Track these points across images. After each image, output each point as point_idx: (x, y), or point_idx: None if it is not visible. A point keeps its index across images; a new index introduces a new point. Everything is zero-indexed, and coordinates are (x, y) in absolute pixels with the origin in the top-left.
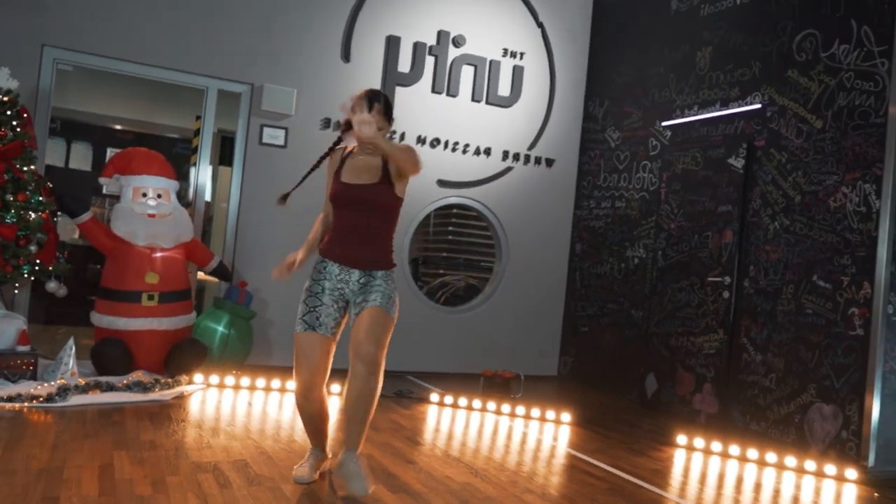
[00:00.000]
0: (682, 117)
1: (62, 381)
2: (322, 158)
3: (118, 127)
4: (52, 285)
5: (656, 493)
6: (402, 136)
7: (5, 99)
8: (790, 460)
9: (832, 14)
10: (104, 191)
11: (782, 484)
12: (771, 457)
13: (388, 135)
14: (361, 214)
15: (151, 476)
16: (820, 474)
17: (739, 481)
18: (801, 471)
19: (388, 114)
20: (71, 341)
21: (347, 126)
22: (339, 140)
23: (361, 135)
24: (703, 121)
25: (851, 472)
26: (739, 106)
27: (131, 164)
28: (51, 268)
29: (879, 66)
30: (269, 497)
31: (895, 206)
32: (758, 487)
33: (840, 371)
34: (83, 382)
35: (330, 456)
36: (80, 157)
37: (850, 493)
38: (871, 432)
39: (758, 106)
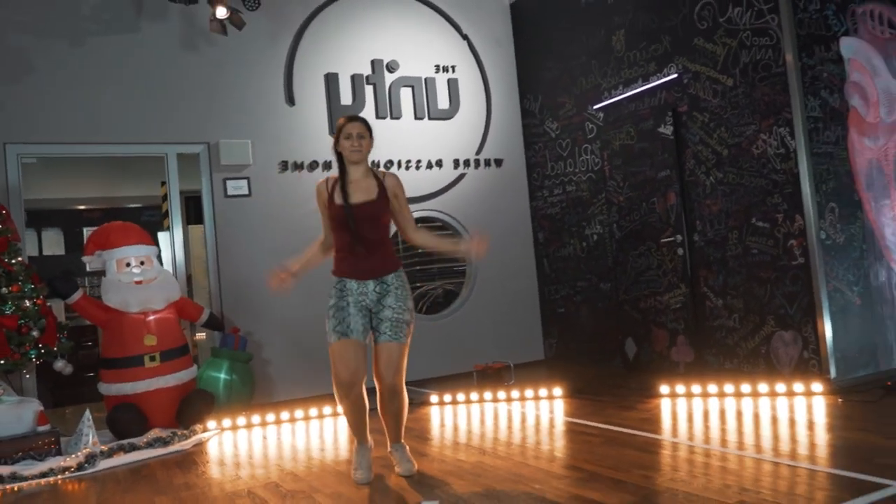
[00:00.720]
0: (611, 98)
1: (87, 450)
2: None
3: (82, 207)
4: (59, 364)
5: (648, 437)
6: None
7: None
8: (762, 387)
9: None
10: (88, 268)
11: (759, 408)
12: (745, 387)
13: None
14: (366, 229)
15: None
16: (790, 393)
17: (722, 413)
18: (773, 394)
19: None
20: (87, 413)
21: (339, 155)
22: (341, 168)
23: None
24: (630, 97)
25: (817, 386)
26: (659, 78)
27: (110, 238)
28: (55, 348)
29: (770, 21)
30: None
31: (809, 143)
32: (739, 415)
33: (791, 299)
34: (106, 448)
35: (372, 447)
36: (53, 243)
37: (819, 403)
38: (827, 348)
39: (675, 76)
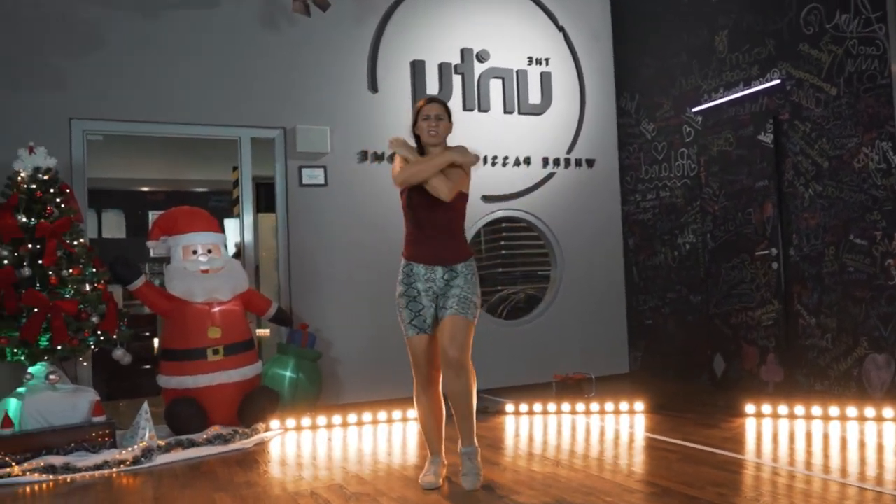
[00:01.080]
0: (710, 101)
1: (144, 444)
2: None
3: (146, 189)
4: (118, 353)
5: (729, 457)
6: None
7: (46, 177)
8: (851, 410)
9: None
10: (152, 254)
11: (847, 432)
12: (834, 410)
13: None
14: (437, 214)
15: None
16: (880, 419)
17: (808, 437)
18: (861, 418)
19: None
20: (145, 405)
21: (417, 137)
22: (419, 148)
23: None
24: (730, 102)
25: None
26: (761, 84)
27: (177, 224)
28: (115, 336)
29: (878, 30)
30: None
31: None
32: (825, 438)
33: (886, 320)
34: (164, 443)
35: (446, 463)
36: (113, 226)
37: None
38: None
39: (777, 81)
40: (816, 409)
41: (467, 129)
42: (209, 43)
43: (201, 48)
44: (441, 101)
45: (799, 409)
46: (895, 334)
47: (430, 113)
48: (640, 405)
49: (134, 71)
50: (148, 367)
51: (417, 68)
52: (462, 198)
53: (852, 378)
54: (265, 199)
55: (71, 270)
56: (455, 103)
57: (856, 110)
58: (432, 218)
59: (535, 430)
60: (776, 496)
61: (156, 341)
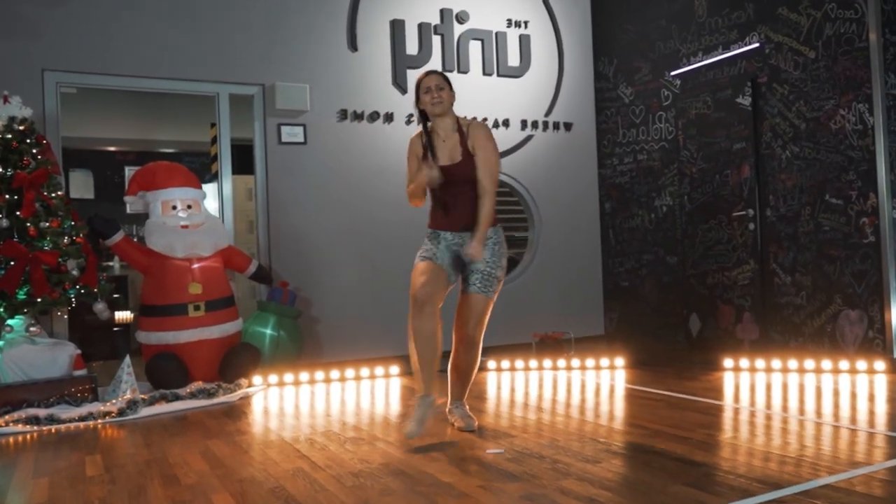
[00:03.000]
0: (689, 65)
1: (128, 396)
2: (424, 123)
3: (114, 149)
4: (99, 306)
5: (710, 403)
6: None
7: (21, 128)
8: (826, 363)
9: None
10: (129, 209)
11: (822, 383)
12: (809, 363)
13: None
14: (460, 188)
15: (251, 452)
16: (853, 371)
17: (784, 387)
18: (836, 371)
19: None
20: (127, 359)
21: (423, 113)
22: (425, 126)
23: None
24: (709, 65)
25: (880, 364)
26: (740, 47)
27: (155, 179)
28: (96, 289)
29: None
30: (367, 449)
31: (887, 121)
32: (801, 388)
33: (860, 278)
34: (147, 397)
35: (440, 399)
36: (81, 186)
37: (881, 381)
38: (892, 328)
39: (756, 45)
40: (792, 363)
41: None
42: None
43: (180, 1)
44: (439, 72)
45: (775, 363)
46: (868, 291)
47: (430, 84)
48: (620, 361)
49: (110, 22)
50: (117, 328)
51: (397, 28)
52: None
53: (826, 334)
54: (238, 161)
55: (49, 222)
56: (434, 64)
57: (833, 73)
58: (458, 195)
59: (517, 384)
60: (754, 433)
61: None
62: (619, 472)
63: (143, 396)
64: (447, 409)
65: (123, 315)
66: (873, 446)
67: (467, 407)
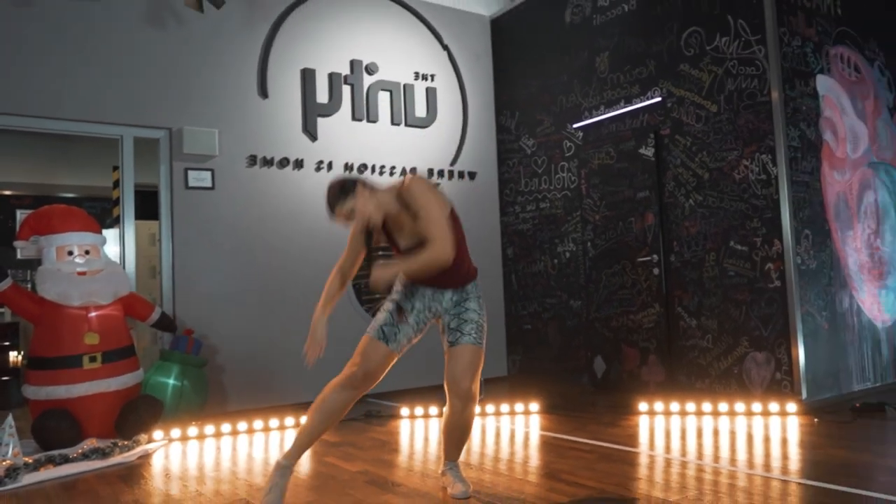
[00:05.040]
0: (591, 118)
1: (8, 462)
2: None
3: (9, 193)
4: None
5: (634, 452)
6: (330, 165)
7: None
8: (739, 406)
9: (710, 12)
10: (19, 255)
11: (736, 426)
12: (723, 406)
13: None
14: None
15: None
16: (766, 413)
17: (699, 432)
18: (749, 413)
19: (344, 196)
20: (10, 418)
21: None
22: (369, 234)
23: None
24: (611, 118)
25: (791, 406)
26: (642, 101)
27: (51, 223)
28: None
29: (758, 52)
30: None
31: (790, 171)
32: (716, 433)
33: (766, 321)
34: (31, 460)
35: (292, 473)
36: None
37: (793, 423)
38: (800, 369)
39: (658, 99)
40: (706, 406)
41: (356, 139)
42: (92, 37)
43: (83, 42)
44: (333, 199)
45: (689, 406)
46: (775, 333)
47: (340, 220)
48: (534, 406)
49: (8, 61)
50: (6, 378)
51: (308, 76)
52: (454, 223)
53: (733, 375)
54: (141, 206)
55: None
56: (344, 113)
57: (736, 125)
58: None
59: (431, 434)
60: (697, 490)
61: (12, 355)
62: None
63: (26, 459)
64: (440, 472)
65: (11, 363)
66: (787, 494)
67: (460, 470)
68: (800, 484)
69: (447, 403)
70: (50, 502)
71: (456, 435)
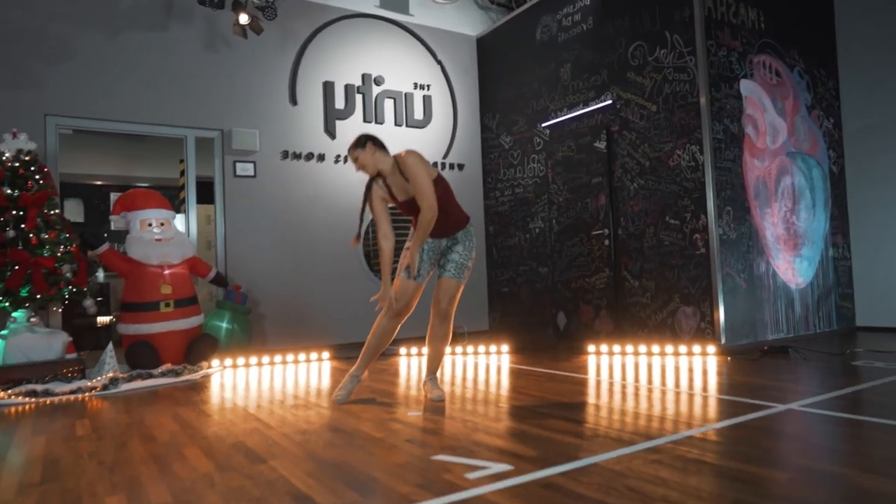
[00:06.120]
0: (556, 118)
1: (110, 375)
2: (364, 202)
3: (100, 183)
4: (87, 302)
5: (581, 377)
6: (346, 159)
7: (27, 158)
8: (668, 348)
9: (652, 28)
10: (112, 227)
11: (665, 363)
12: (655, 348)
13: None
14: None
15: (214, 416)
16: (690, 353)
17: (636, 366)
18: (676, 354)
19: (357, 147)
20: (110, 345)
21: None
22: (370, 184)
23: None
24: (572, 118)
25: (711, 348)
26: (597, 104)
27: (135, 202)
28: (85, 288)
29: (689, 61)
30: (309, 413)
31: (714, 159)
32: (649, 367)
33: (694, 281)
34: (126, 375)
35: (364, 379)
36: (74, 212)
37: (712, 361)
38: (720, 320)
39: (609, 102)
40: (642, 348)
41: None
42: (160, 59)
43: (154, 63)
44: (351, 144)
45: (629, 348)
46: (700, 291)
47: (352, 160)
48: (505, 347)
49: (99, 77)
50: (100, 327)
51: (328, 87)
52: (438, 186)
53: (667, 326)
54: (199, 193)
55: (48, 234)
56: (356, 117)
57: (671, 122)
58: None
59: (424, 366)
60: (615, 399)
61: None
62: (518, 427)
63: (122, 375)
64: (423, 382)
65: (105, 319)
66: (722, 405)
67: (438, 380)
68: (714, 397)
69: (430, 321)
70: (142, 401)
71: (434, 344)
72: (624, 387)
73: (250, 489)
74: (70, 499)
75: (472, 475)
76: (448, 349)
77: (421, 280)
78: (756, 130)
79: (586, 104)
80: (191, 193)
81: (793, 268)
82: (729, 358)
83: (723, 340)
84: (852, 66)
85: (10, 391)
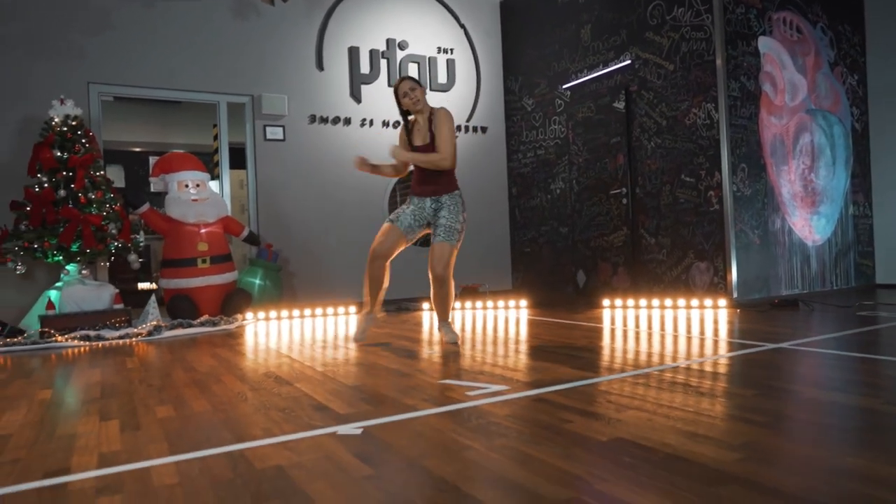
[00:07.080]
0: (577, 79)
1: (153, 323)
2: (405, 118)
3: (138, 150)
4: (132, 257)
5: (596, 326)
6: (371, 122)
7: (74, 123)
8: (681, 301)
9: None
10: (152, 188)
11: (678, 315)
12: (668, 301)
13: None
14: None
15: (248, 354)
16: (702, 307)
17: (650, 318)
18: (688, 307)
19: (418, 84)
20: (153, 297)
21: (403, 112)
22: (406, 117)
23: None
24: (592, 79)
25: (723, 302)
26: (616, 64)
27: (172, 165)
28: (129, 245)
29: (706, 19)
30: (333, 352)
31: (729, 116)
32: (662, 318)
33: (708, 237)
34: (168, 324)
35: (378, 318)
36: (115, 177)
37: (723, 313)
38: (733, 275)
39: (628, 62)
40: (655, 301)
41: (391, 102)
42: (195, 28)
43: (189, 32)
44: (409, 77)
45: (643, 302)
46: (714, 247)
47: (406, 88)
48: (524, 302)
49: (138, 47)
50: (141, 289)
51: (353, 53)
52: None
53: (682, 281)
54: (231, 159)
55: (95, 194)
56: (381, 82)
57: (687, 81)
58: (422, 168)
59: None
60: (627, 341)
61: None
62: (527, 362)
63: (164, 324)
64: (438, 328)
65: (146, 285)
66: (718, 345)
67: (452, 325)
68: (710, 339)
69: (430, 284)
70: (183, 345)
71: (438, 303)
72: (626, 332)
73: (278, 402)
74: (127, 409)
75: (471, 393)
76: (469, 304)
77: (401, 227)
78: (774, 88)
79: (606, 65)
80: (224, 158)
81: (810, 225)
82: (738, 310)
83: (735, 295)
84: (880, 21)
85: (66, 336)
